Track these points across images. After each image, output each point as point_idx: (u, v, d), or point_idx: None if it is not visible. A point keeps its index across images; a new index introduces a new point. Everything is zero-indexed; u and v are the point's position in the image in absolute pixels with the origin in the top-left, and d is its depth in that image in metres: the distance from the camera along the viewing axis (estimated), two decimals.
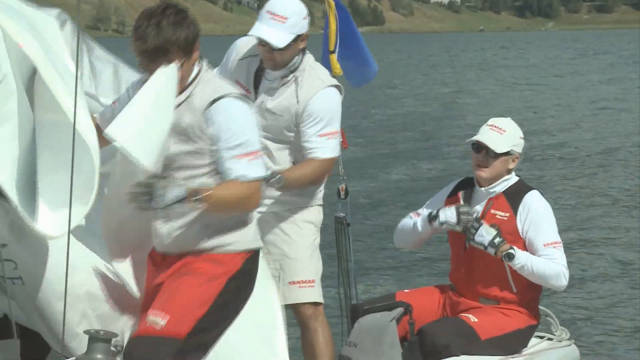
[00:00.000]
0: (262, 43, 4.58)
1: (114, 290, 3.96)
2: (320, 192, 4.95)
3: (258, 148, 3.79)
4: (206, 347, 3.79)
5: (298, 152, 4.75)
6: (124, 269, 4.02)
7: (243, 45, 4.84)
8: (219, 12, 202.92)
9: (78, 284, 3.76)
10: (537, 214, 4.77)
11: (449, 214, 4.78)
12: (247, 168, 3.70)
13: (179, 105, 3.71)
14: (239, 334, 3.94)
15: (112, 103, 4.06)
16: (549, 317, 5.13)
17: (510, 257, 4.66)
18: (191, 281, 3.76)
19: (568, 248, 5.78)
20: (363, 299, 5.90)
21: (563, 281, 4.73)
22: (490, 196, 4.82)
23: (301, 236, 4.84)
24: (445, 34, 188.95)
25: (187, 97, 3.74)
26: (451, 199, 4.93)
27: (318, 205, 4.94)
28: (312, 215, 4.89)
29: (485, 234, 4.69)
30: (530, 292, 4.84)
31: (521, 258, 4.68)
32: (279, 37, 4.52)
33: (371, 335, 4.79)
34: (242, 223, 3.85)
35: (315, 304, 4.81)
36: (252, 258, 3.89)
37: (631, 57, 60.17)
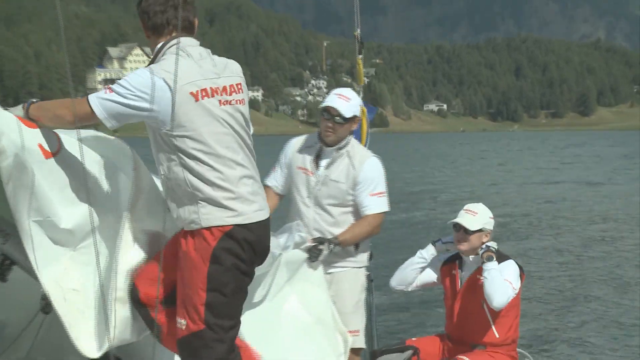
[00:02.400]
0: (327, 117, 5.11)
1: None
2: (367, 255, 5.36)
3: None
4: (230, 312, 3.60)
5: (355, 214, 5.20)
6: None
7: (297, 142, 5.38)
8: (261, 117, 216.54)
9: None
10: (506, 267, 5.10)
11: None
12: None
13: None
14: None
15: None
16: (526, 358, 5.47)
17: (490, 259, 5.03)
18: (184, 272, 3.59)
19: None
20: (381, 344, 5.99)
21: (504, 299, 4.91)
22: (478, 264, 5.18)
23: (351, 294, 5.26)
24: (434, 134, 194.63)
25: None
26: (447, 265, 5.35)
27: (366, 267, 5.35)
28: (361, 277, 5.31)
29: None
30: (510, 336, 5.17)
31: (494, 265, 5.01)
32: (346, 109, 5.10)
33: None
34: (208, 200, 3.56)
35: (358, 348, 5.23)
36: (228, 235, 3.56)
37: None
